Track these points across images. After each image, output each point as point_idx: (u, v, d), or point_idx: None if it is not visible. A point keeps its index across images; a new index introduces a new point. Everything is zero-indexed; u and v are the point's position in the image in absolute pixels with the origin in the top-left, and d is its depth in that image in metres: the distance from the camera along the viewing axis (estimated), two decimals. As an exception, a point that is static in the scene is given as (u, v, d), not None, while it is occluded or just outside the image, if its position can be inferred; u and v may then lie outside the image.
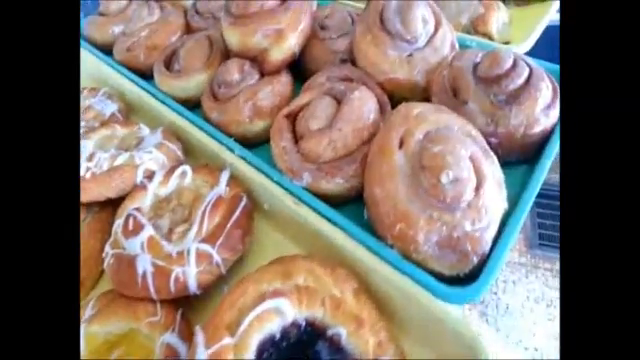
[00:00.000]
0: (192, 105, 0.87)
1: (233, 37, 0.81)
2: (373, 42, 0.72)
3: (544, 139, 0.62)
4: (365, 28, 0.74)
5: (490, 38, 0.85)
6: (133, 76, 0.95)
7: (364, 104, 0.66)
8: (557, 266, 1.61)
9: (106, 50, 1.07)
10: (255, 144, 0.78)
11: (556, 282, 1.58)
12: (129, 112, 0.95)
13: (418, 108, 0.59)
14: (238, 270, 0.61)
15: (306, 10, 0.81)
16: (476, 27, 0.85)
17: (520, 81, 0.61)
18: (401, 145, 0.56)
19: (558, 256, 1.61)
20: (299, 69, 0.86)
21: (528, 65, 0.63)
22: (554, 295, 1.56)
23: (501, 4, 0.89)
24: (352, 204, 0.64)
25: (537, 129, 0.60)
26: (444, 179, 0.50)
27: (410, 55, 0.70)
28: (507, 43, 0.85)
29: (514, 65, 0.62)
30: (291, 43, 0.79)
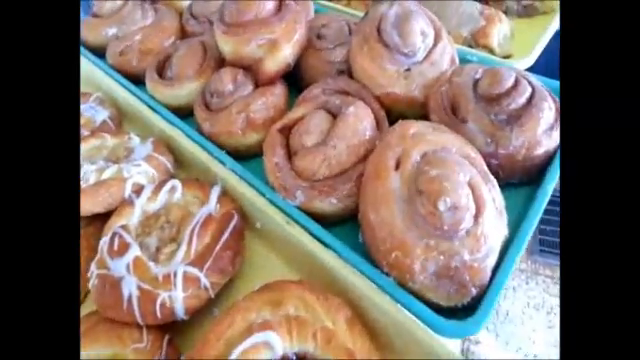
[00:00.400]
0: (185, 113, 0.84)
1: (226, 46, 0.79)
2: (370, 55, 0.69)
3: (547, 161, 0.59)
4: (362, 39, 0.71)
5: (491, 51, 0.82)
6: (125, 82, 0.93)
7: (360, 120, 0.63)
8: (558, 273, 1.59)
9: (99, 52, 1.05)
10: (248, 157, 0.76)
11: (557, 289, 1.56)
12: (121, 118, 0.92)
13: (415, 127, 0.57)
14: (228, 291, 0.59)
15: (302, 19, 0.78)
16: (477, 40, 0.82)
17: (522, 101, 0.59)
18: (397, 167, 0.54)
19: (559, 263, 1.60)
20: (294, 78, 0.83)
21: (530, 84, 0.60)
22: (554, 302, 1.54)
23: (503, 16, 0.86)
24: (347, 224, 0.62)
25: (539, 151, 0.57)
26: (441, 206, 0.48)
27: (408, 69, 0.68)
28: (509, 56, 0.83)
29: (516, 84, 0.60)
30: (286, 53, 0.76)
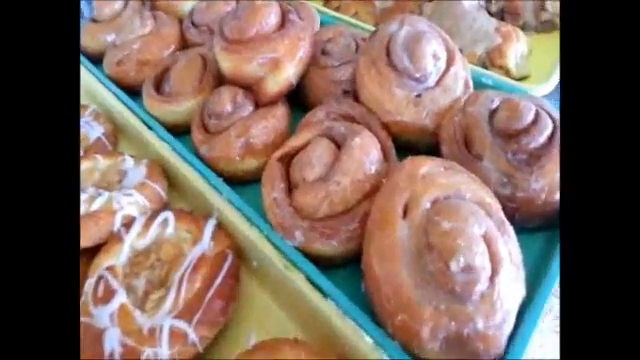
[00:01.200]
0: (182, 130, 0.79)
1: (225, 63, 0.73)
2: (377, 78, 0.63)
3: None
4: (369, 61, 0.65)
5: (507, 72, 0.75)
6: (122, 94, 0.87)
7: (366, 153, 0.58)
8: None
9: (98, 60, 0.99)
10: (247, 181, 0.71)
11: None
12: (117, 133, 0.87)
13: (425, 167, 0.51)
14: (220, 337, 0.54)
15: (305, 36, 0.72)
16: (492, 59, 0.75)
17: (542, 139, 0.53)
18: (405, 213, 0.48)
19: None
20: (298, 96, 0.78)
21: (552, 118, 0.54)
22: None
23: (520, 33, 0.78)
24: (350, 266, 0.57)
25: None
26: (454, 266, 0.42)
27: (418, 95, 0.62)
28: (526, 77, 0.76)
29: (536, 119, 0.54)
30: (288, 73, 0.70)
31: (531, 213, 0.53)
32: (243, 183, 0.70)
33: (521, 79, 0.76)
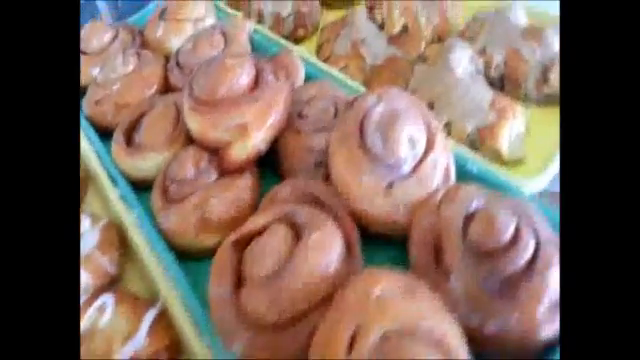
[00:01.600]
0: (149, 185, 0.73)
1: (192, 124, 0.67)
2: (347, 159, 0.56)
3: (548, 348, 0.44)
4: (342, 138, 0.57)
5: (498, 155, 0.66)
6: (96, 139, 0.82)
7: (324, 252, 0.50)
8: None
9: (82, 94, 0.94)
10: (206, 257, 0.64)
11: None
12: (87, 182, 0.81)
13: (381, 285, 0.43)
14: None
15: (279, 99, 0.65)
16: (483, 138, 0.66)
17: (521, 262, 0.44)
18: (352, 344, 0.41)
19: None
20: (273, 159, 0.70)
21: (535, 235, 0.46)
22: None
23: (518, 109, 0.68)
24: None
25: (538, 335, 0.43)
26: None
27: (390, 185, 0.54)
28: (518, 161, 0.67)
29: (515, 237, 0.45)
30: (256, 141, 0.63)
31: (502, 351, 0.44)
32: (201, 259, 0.64)
33: (514, 161, 0.67)
